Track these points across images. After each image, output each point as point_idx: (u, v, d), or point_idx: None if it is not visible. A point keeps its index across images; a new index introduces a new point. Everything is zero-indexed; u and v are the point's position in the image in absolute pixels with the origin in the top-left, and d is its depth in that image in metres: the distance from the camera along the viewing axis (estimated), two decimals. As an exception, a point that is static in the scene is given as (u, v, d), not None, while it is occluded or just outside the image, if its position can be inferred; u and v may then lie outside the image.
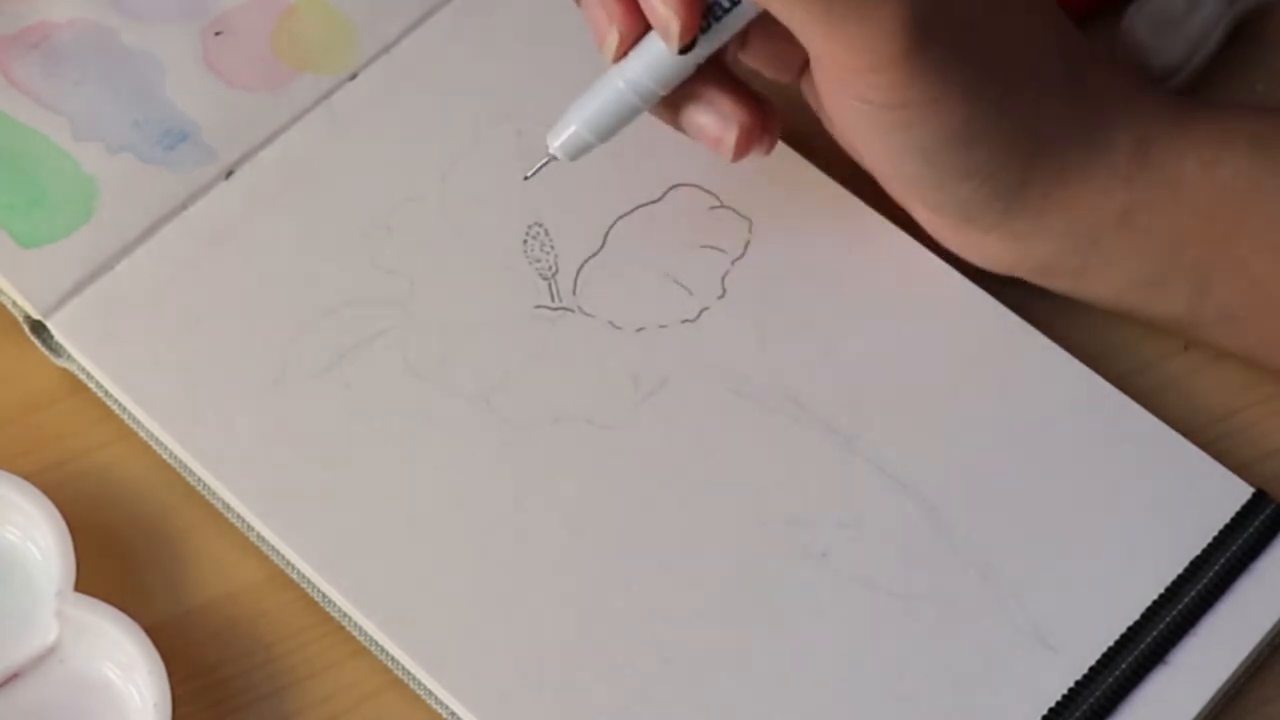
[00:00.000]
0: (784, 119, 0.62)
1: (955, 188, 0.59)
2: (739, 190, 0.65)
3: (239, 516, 0.60)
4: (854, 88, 0.57)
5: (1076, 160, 0.59)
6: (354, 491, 0.60)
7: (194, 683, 0.59)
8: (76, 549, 0.59)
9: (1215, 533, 0.59)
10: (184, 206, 0.65)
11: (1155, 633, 0.58)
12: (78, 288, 0.63)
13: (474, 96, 0.66)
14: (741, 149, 0.60)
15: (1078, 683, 0.57)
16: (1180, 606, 0.58)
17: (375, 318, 0.63)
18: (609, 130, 0.60)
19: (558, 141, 0.60)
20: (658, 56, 0.58)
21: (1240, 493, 0.60)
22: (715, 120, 0.59)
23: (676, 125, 0.60)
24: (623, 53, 0.58)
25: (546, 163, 0.61)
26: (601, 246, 0.64)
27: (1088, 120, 0.59)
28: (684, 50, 0.57)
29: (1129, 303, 0.62)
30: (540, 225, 0.65)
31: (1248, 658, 0.58)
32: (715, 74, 0.59)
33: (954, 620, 0.58)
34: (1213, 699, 0.57)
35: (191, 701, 0.59)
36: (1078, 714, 0.57)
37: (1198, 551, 0.59)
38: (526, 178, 0.61)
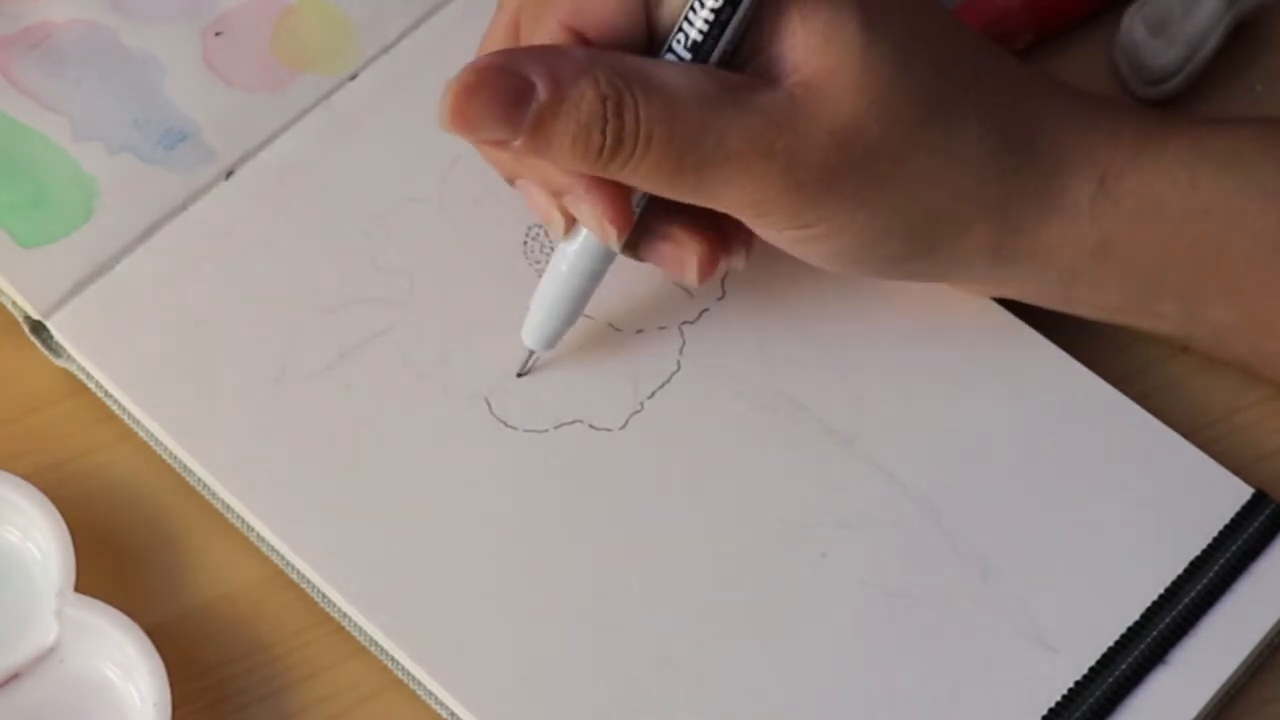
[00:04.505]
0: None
1: (895, 268, 0.59)
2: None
3: (239, 517, 0.60)
4: (756, 226, 0.58)
5: (1031, 214, 0.58)
6: (353, 492, 0.60)
7: (194, 683, 0.59)
8: (76, 549, 0.59)
9: (1215, 533, 0.59)
10: (184, 206, 0.65)
11: (1155, 633, 0.58)
12: (77, 288, 0.63)
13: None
14: (705, 274, 0.59)
15: (1078, 683, 0.57)
16: (1180, 606, 0.58)
17: (375, 318, 0.63)
18: (575, 315, 0.61)
19: (534, 340, 0.61)
20: (589, 241, 0.59)
21: (1240, 493, 0.60)
22: (674, 250, 0.59)
23: (640, 259, 0.60)
24: (569, 228, 0.59)
25: (532, 358, 0.62)
26: (601, 247, 0.64)
27: (1034, 178, 0.58)
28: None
29: (1121, 320, 0.62)
30: (540, 226, 0.65)
31: (1248, 658, 0.58)
32: (671, 210, 0.58)
33: (954, 620, 0.58)
34: (1213, 699, 0.57)
35: (191, 702, 0.59)
36: (1078, 714, 0.57)
37: (1198, 552, 0.59)
38: (520, 375, 0.62)
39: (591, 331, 0.63)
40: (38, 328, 0.63)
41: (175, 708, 0.57)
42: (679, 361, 0.63)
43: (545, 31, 0.57)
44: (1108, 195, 0.58)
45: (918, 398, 0.62)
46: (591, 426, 0.61)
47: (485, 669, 0.58)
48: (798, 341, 0.63)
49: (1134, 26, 0.68)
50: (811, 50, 0.55)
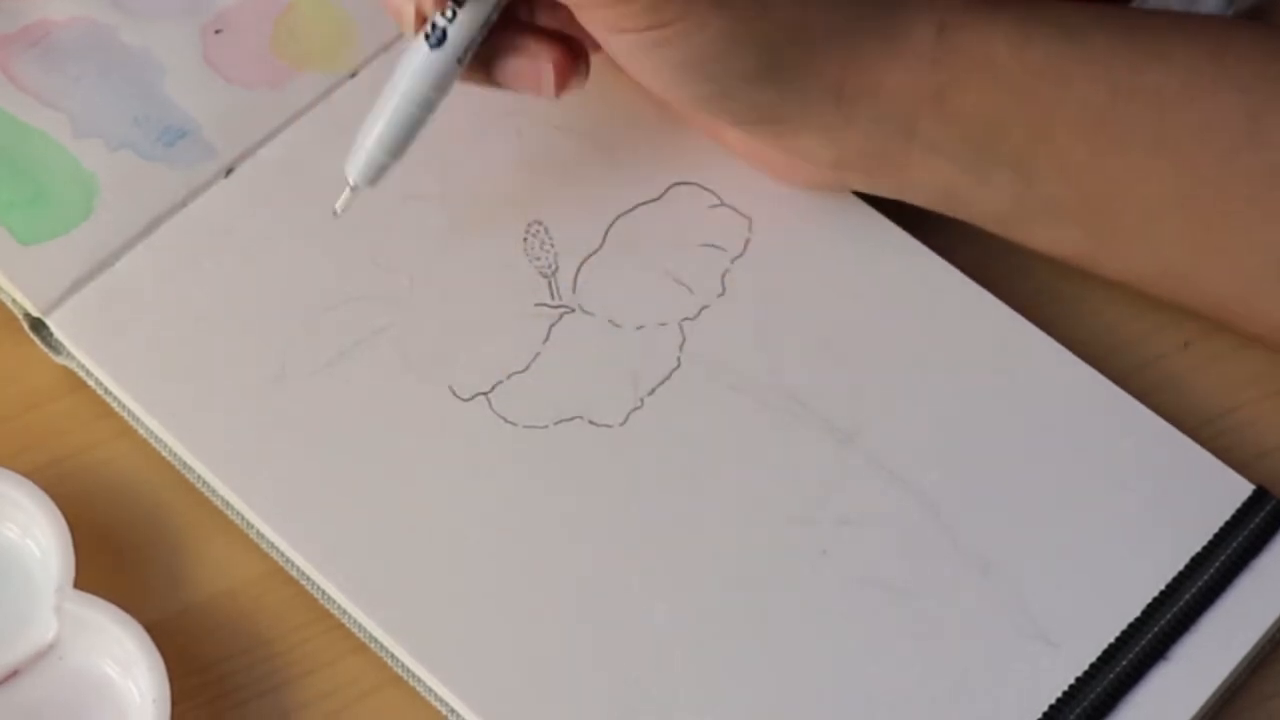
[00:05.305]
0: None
1: (742, 93, 0.59)
2: (739, 188, 0.65)
3: (238, 513, 0.60)
4: (610, 22, 0.58)
5: (872, 50, 0.59)
6: (353, 489, 0.60)
7: (193, 679, 0.59)
8: (76, 546, 0.59)
9: (1216, 529, 0.59)
10: (184, 203, 0.65)
11: (1156, 629, 0.58)
12: (77, 285, 0.63)
13: (474, 94, 0.66)
14: (561, 83, 0.60)
15: (1079, 679, 0.57)
16: (1181, 603, 0.58)
17: (375, 315, 0.63)
18: (402, 145, 0.60)
19: (355, 171, 0.60)
20: (423, 61, 0.58)
21: (1240, 489, 0.60)
22: (528, 63, 0.60)
23: (494, 84, 0.60)
24: (421, 23, 0.58)
25: (350, 193, 0.61)
26: (601, 244, 0.64)
27: (877, 12, 0.59)
28: (430, 40, 0.58)
29: (957, 197, 0.61)
30: (540, 223, 0.65)
31: (1248, 653, 0.58)
32: (517, 25, 0.59)
33: (955, 617, 0.58)
34: (1214, 695, 0.57)
35: (191, 698, 0.59)
36: (1079, 710, 0.57)
37: (1198, 548, 0.59)
38: (336, 213, 0.61)
39: (591, 328, 0.63)
40: (37, 325, 0.63)
41: (175, 704, 0.57)
42: (679, 358, 0.63)
43: None
44: (946, 44, 0.59)
45: (918, 395, 0.62)
46: (591, 423, 0.61)
47: (484, 665, 0.58)
48: (798, 338, 0.63)
49: (1134, 23, 0.68)
50: None
